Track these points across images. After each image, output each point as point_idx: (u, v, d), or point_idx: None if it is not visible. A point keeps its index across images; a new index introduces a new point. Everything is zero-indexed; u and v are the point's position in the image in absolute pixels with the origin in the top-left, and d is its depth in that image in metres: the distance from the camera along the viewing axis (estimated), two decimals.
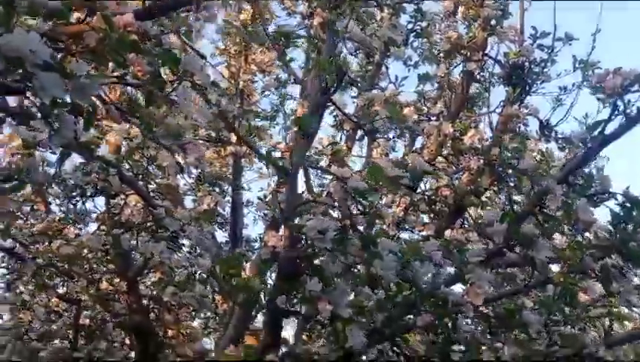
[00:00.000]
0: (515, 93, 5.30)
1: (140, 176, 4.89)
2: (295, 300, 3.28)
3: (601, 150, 3.48)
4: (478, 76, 5.58)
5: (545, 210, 3.47)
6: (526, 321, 3.82)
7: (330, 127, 6.20)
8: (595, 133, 3.42)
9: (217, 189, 6.58)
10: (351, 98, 6.03)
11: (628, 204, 3.37)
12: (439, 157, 5.47)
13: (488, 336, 4.14)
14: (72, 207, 4.61)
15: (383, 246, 3.21)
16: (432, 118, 5.62)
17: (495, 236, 3.38)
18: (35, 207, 5.59)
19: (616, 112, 3.34)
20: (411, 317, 3.36)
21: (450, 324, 3.39)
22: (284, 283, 3.22)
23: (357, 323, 3.19)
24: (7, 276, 5.33)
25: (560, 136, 5.31)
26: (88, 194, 4.42)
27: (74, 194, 4.44)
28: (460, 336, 3.45)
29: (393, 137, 6.31)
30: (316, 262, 3.27)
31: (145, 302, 5.26)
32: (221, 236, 6.82)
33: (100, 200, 4.89)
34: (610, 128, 3.45)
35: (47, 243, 4.89)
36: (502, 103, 5.49)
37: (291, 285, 3.21)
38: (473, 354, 3.90)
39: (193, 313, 6.21)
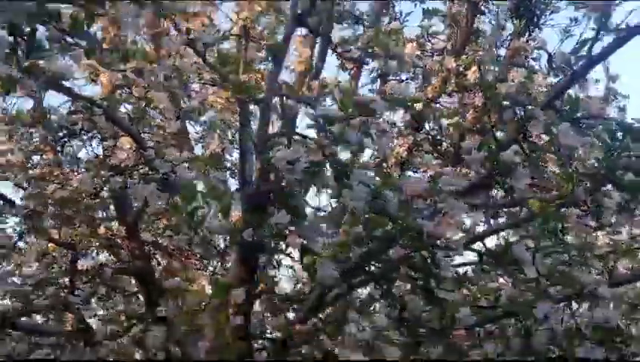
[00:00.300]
0: (521, 25, 5.09)
1: (136, 119, 4.82)
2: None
3: (588, 72, 3.31)
4: (483, 8, 5.36)
5: (530, 138, 3.31)
6: (517, 257, 3.69)
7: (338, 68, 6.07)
8: (581, 54, 3.23)
9: (229, 135, 6.51)
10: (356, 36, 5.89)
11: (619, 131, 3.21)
12: (443, 94, 5.28)
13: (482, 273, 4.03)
14: (61, 149, 4.53)
15: (356, 177, 3.09)
16: (435, 54, 5.43)
17: (472, 164, 3.23)
18: (44, 155, 5.56)
19: (601, 32, 3.16)
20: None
21: (429, 259, 3.25)
22: (251, 216, 3.11)
23: (327, 257, 3.08)
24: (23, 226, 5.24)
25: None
26: (76, 135, 4.32)
27: (60, 135, 4.37)
28: (442, 272, 3.31)
29: (407, 79, 6.15)
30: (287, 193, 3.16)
31: (147, 248, 5.22)
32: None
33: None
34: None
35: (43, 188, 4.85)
36: (509, 37, 5.28)
37: (260, 218, 3.10)
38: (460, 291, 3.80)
39: (204, 261, 6.13)
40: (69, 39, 2.71)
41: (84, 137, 4.69)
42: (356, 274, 3.46)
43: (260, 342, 3.73)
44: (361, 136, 5.56)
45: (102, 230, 5.08)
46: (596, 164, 3.25)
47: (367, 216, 3.18)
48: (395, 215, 3.05)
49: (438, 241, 3.12)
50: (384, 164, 5.49)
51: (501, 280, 4.61)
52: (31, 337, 5.46)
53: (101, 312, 5.88)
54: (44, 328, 5.52)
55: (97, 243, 5.12)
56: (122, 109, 4.80)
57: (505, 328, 4.41)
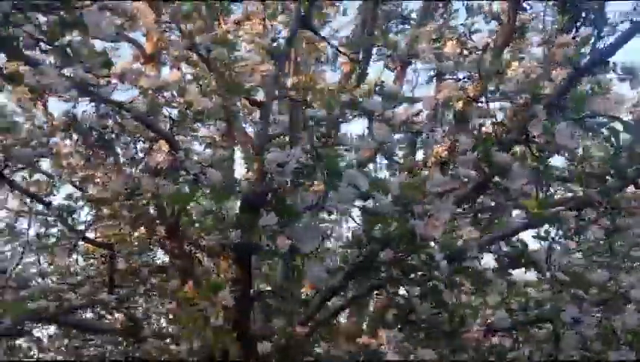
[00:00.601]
0: (565, 21, 4.91)
1: (178, 122, 4.89)
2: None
3: (593, 69, 3.17)
4: (525, 5, 5.21)
5: (534, 138, 3.20)
6: (533, 259, 3.62)
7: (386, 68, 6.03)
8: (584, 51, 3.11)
9: None
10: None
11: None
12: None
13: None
14: (92, 152, 4.65)
15: (347, 178, 3.05)
16: (476, 52, 5.31)
17: (464, 165, 3.14)
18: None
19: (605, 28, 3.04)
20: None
21: (426, 261, 3.18)
22: (242, 217, 3.11)
23: (318, 259, 3.05)
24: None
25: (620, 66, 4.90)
26: (106, 139, 4.43)
27: (91, 138, 4.48)
28: (442, 274, 3.24)
29: (463, 77, 6.06)
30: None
31: (187, 247, 5.29)
32: None
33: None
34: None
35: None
36: (555, 33, 5.11)
37: (251, 219, 3.10)
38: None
39: None
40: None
41: (128, 140, 4.82)
42: (356, 277, 3.43)
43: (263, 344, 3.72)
44: (411, 137, 5.53)
45: (142, 230, 5.18)
46: (601, 164, 3.12)
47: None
48: (387, 216, 3.01)
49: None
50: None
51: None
52: (85, 334, 5.67)
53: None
54: (97, 325, 5.69)
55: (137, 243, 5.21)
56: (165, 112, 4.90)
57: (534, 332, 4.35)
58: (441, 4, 6.15)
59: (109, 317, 5.83)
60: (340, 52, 4.97)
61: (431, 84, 6.21)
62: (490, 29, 5.81)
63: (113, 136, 4.42)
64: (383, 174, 5.83)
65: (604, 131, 3.08)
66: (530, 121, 3.11)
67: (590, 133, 3.15)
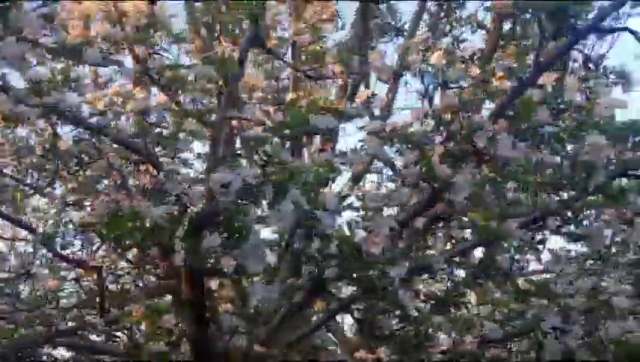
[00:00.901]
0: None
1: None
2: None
3: (538, 79, 3.11)
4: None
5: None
6: (499, 267, 3.57)
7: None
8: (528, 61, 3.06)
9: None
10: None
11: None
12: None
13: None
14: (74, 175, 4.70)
15: (290, 197, 3.02)
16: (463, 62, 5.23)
17: (409, 178, 3.09)
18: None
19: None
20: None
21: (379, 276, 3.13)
22: (185, 238, 3.10)
23: (264, 277, 3.04)
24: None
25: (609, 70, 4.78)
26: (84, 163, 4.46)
27: (70, 164, 4.52)
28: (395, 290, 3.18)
29: (468, 86, 6.00)
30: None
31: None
32: None
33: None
34: None
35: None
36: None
37: (195, 241, 3.08)
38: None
39: None
40: None
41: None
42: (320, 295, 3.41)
43: None
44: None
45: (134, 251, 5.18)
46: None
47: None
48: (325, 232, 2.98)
49: None
50: None
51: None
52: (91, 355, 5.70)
53: None
54: (106, 348, 5.71)
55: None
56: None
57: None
58: (443, 13, 6.10)
59: (117, 338, 5.85)
60: (309, 77, 4.95)
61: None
62: (477, 39, 5.78)
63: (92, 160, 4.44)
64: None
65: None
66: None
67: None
